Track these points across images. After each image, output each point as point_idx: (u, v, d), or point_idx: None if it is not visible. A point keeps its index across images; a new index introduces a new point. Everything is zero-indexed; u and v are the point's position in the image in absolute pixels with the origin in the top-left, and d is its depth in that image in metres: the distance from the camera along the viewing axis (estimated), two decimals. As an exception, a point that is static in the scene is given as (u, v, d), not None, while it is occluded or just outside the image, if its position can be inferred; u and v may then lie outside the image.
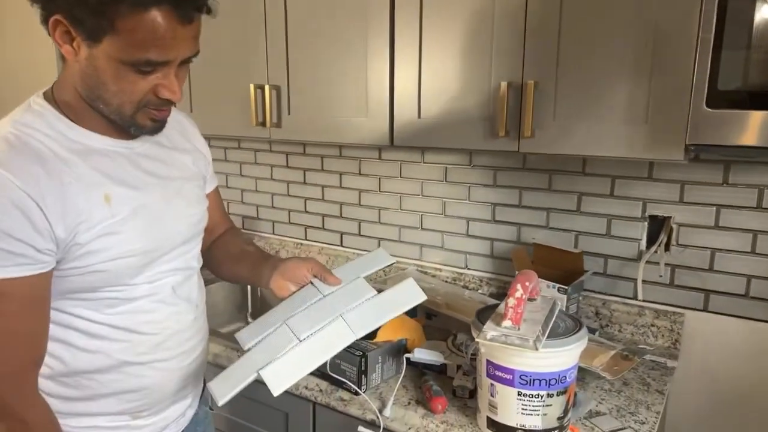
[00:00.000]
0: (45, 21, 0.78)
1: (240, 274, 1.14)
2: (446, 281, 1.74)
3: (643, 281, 1.42)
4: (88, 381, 0.90)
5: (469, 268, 1.72)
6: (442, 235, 1.75)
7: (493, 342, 0.96)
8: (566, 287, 1.40)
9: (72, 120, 0.85)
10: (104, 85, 0.80)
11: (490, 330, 0.97)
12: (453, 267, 1.74)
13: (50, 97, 0.86)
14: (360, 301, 0.98)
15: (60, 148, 0.82)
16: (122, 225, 0.86)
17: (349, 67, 1.43)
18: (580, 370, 1.21)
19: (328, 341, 0.94)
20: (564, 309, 1.39)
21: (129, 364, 0.92)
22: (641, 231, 1.44)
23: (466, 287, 1.70)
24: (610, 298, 1.50)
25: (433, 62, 1.31)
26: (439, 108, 1.32)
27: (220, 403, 0.90)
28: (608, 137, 1.14)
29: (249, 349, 0.97)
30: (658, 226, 1.42)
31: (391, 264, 1.11)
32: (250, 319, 1.96)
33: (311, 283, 1.04)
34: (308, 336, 0.94)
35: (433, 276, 1.76)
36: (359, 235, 1.91)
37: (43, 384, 0.88)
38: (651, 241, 1.43)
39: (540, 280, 1.41)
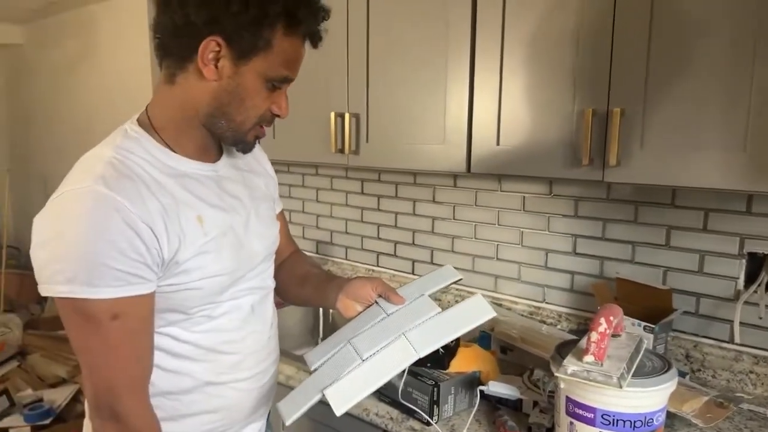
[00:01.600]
0: (192, 41, 0.82)
1: (306, 296, 1.15)
2: (522, 315, 1.68)
3: (741, 323, 1.31)
4: (172, 402, 0.92)
5: (547, 302, 1.65)
6: (519, 266, 1.70)
7: (574, 378, 0.91)
8: (653, 326, 1.32)
9: (165, 144, 0.90)
10: (240, 101, 0.87)
11: (570, 365, 0.92)
12: (530, 300, 1.69)
13: (145, 122, 0.91)
14: (423, 319, 0.96)
15: (157, 172, 0.86)
16: (214, 245, 0.89)
17: (428, 95, 1.44)
18: (669, 415, 1.13)
19: (391, 360, 0.92)
20: (650, 349, 1.31)
21: (210, 384, 0.94)
22: (738, 269, 1.34)
23: (544, 322, 1.63)
24: (703, 340, 1.40)
25: (514, 89, 1.30)
26: (519, 135, 1.30)
27: (288, 422, 0.90)
28: (701, 167, 1.07)
29: (315, 370, 0.97)
30: (757, 264, 1.31)
31: (458, 280, 1.08)
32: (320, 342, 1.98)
33: (376, 302, 1.04)
34: (371, 355, 0.93)
35: (509, 309, 1.71)
36: (431, 263, 1.89)
37: None
38: (750, 280, 1.32)
39: (624, 317, 1.34)
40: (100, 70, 3.46)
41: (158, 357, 0.90)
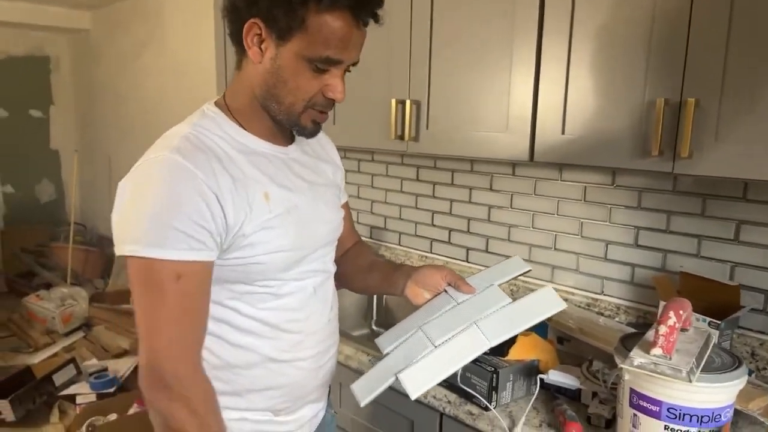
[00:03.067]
0: (239, 26, 0.87)
1: (372, 284, 1.18)
2: (579, 306, 1.67)
3: (813, 323, 1.27)
4: (236, 376, 0.96)
5: (605, 294, 1.63)
6: (578, 257, 1.68)
7: (641, 370, 0.91)
8: (718, 322, 1.29)
9: (240, 125, 0.94)
10: (283, 82, 0.88)
11: (637, 357, 0.92)
12: (587, 292, 1.67)
13: (222, 104, 0.96)
14: (494, 309, 0.97)
15: (229, 147, 0.91)
16: (278, 221, 0.92)
17: (492, 82, 1.43)
18: (734, 413, 1.11)
19: (463, 348, 0.94)
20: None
21: (273, 361, 0.98)
22: (812, 266, 1.29)
23: (601, 314, 1.62)
24: (770, 338, 1.36)
25: (582, 76, 1.28)
26: (585, 124, 1.29)
27: (363, 404, 0.93)
28: (781, 160, 1.04)
29: (387, 354, 1.00)
30: (834, 263, 1.26)
31: (527, 272, 1.09)
32: (374, 327, 2.02)
33: (445, 290, 1.05)
34: (443, 342, 0.95)
35: (565, 300, 1.69)
36: (486, 251, 1.89)
37: None
38: (824, 278, 1.27)
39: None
40: (165, 56, 3.58)
41: (225, 331, 0.94)
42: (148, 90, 3.79)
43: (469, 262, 1.95)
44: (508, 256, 1.81)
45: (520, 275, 1.08)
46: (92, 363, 3.11)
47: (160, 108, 3.64)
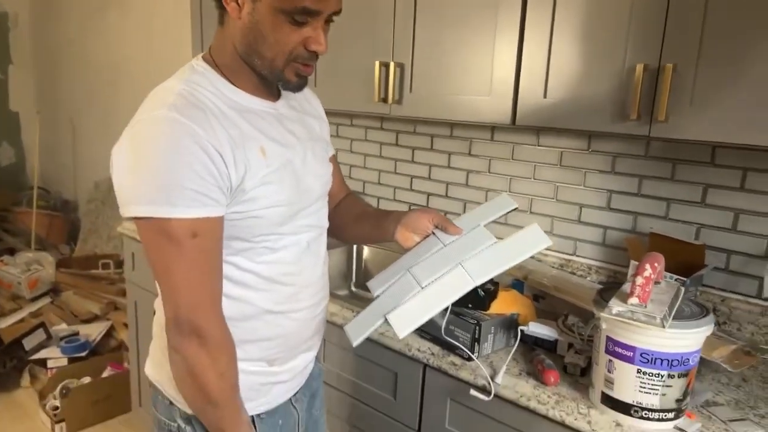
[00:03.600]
0: None
1: (364, 232, 1.21)
2: (553, 267, 1.74)
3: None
4: (234, 328, 0.97)
5: (577, 255, 1.71)
6: (552, 219, 1.75)
7: (619, 318, 0.97)
8: (684, 279, 1.37)
9: (229, 81, 0.94)
10: (263, 37, 0.88)
11: (615, 306, 0.98)
12: (560, 253, 1.74)
13: (209, 60, 0.95)
14: (479, 249, 1.00)
15: (223, 104, 0.91)
16: (275, 176, 0.94)
17: (476, 46, 1.46)
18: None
19: (449, 288, 0.97)
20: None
21: (269, 312, 1.00)
22: (772, 227, 1.38)
23: (573, 273, 1.69)
24: (731, 295, 1.45)
25: (565, 41, 1.32)
26: (567, 89, 1.33)
27: (355, 343, 0.97)
28: (750, 124, 1.10)
29: (378, 296, 1.04)
30: (791, 224, 1.35)
31: (513, 209, 1.12)
32: (353, 288, 2.06)
33: (433, 233, 1.09)
34: (429, 283, 0.99)
35: (539, 261, 1.77)
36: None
37: None
38: (782, 239, 1.36)
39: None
40: (131, 13, 3.45)
41: (224, 285, 0.95)
42: (113, 48, 3.66)
43: (446, 226, 1.99)
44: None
45: (507, 213, 1.12)
46: (62, 328, 3.07)
47: (127, 67, 3.53)
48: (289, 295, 1.02)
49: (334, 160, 1.21)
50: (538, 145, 1.74)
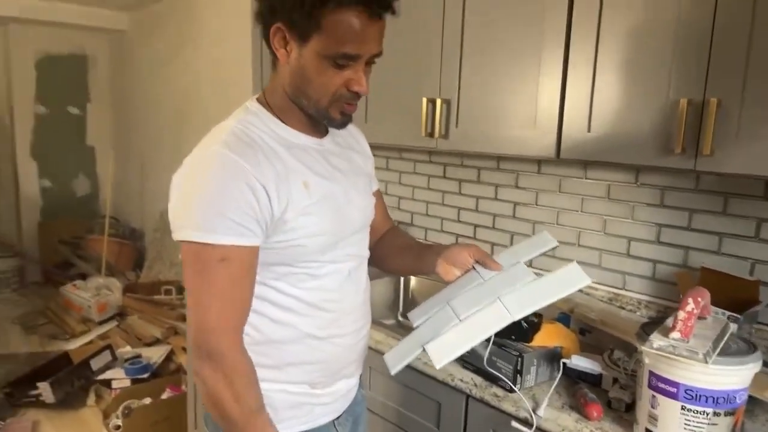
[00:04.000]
0: (266, 32, 0.96)
1: (406, 264, 1.25)
2: (601, 300, 1.72)
3: (832, 318, 1.31)
4: (277, 351, 1.03)
5: (626, 289, 1.68)
6: (600, 253, 1.73)
7: (660, 352, 0.96)
8: (738, 315, 1.33)
9: (280, 119, 1.02)
10: (308, 80, 0.96)
11: (657, 340, 0.98)
12: (609, 287, 1.72)
13: (262, 101, 1.04)
14: (518, 285, 1.02)
15: (272, 141, 0.99)
16: (316, 207, 1.00)
17: (521, 81, 1.50)
18: (750, 400, 1.15)
19: (486, 321, 0.99)
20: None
21: (312, 337, 1.05)
22: (832, 264, 1.33)
23: (623, 308, 1.66)
24: (789, 333, 1.39)
25: (607, 77, 1.34)
26: (610, 123, 1.34)
27: (393, 372, 1.00)
28: (800, 158, 1.08)
29: (417, 327, 1.07)
30: None
31: (554, 247, 1.14)
32: (399, 318, 2.09)
33: (474, 267, 1.12)
34: (468, 316, 1.01)
35: (587, 294, 1.75)
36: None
37: None
38: (844, 275, 1.31)
39: (712, 307, 1.37)
40: (199, 57, 3.69)
41: (267, 308, 1.02)
42: (181, 90, 3.92)
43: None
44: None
45: (547, 251, 1.14)
46: (127, 350, 3.24)
47: (193, 108, 3.76)
48: (331, 320, 1.07)
49: (378, 194, 1.27)
50: (586, 178, 1.74)
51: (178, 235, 0.93)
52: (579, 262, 1.74)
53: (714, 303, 1.37)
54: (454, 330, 1.00)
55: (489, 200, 2.01)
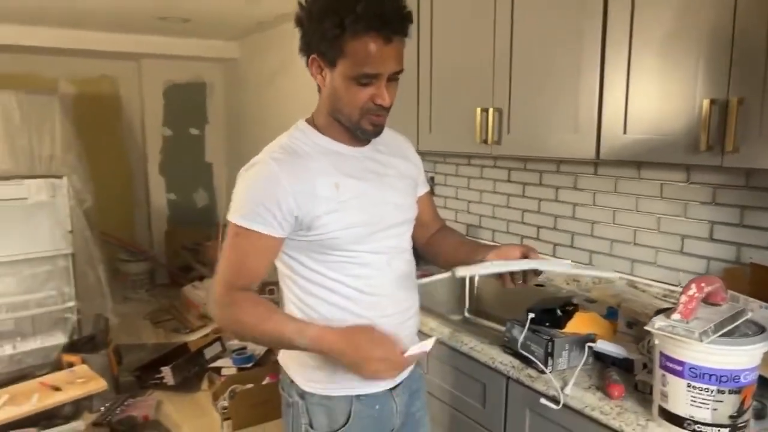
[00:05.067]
0: (307, 62, 1.18)
1: (459, 259, 1.37)
2: (656, 297, 1.76)
3: None
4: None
5: (681, 286, 1.71)
6: (656, 251, 1.77)
7: (660, 332, 1.05)
8: (781, 309, 1.35)
9: (323, 134, 1.23)
10: (340, 98, 1.16)
11: (659, 321, 1.07)
12: (665, 284, 1.76)
13: (311, 120, 1.26)
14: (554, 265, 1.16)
15: (312, 150, 1.20)
16: (344, 205, 1.18)
17: (563, 90, 1.61)
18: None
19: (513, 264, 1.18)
20: None
21: (361, 317, 1.22)
22: None
23: (674, 305, 1.69)
24: (844, 329, 1.37)
25: (640, 82, 1.42)
26: (644, 124, 1.42)
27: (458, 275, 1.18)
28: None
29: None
30: None
31: (608, 277, 1.26)
32: (466, 314, 2.23)
33: None
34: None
35: (643, 291, 1.80)
36: (572, 246, 2.03)
37: None
38: None
39: (753, 299, 1.39)
40: (294, 80, 4.08)
41: (320, 291, 1.21)
42: (283, 110, 4.33)
43: (556, 257, 2.09)
44: (590, 252, 1.95)
45: (601, 276, 1.26)
46: (234, 342, 3.63)
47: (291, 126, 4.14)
48: (374, 303, 1.24)
49: (428, 196, 1.44)
50: (639, 178, 1.79)
51: (228, 216, 1.19)
52: (635, 261, 1.82)
53: (762, 297, 1.40)
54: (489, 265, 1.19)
55: (550, 202, 2.10)
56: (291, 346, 1.16)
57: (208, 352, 3.49)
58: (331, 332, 1.13)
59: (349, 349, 1.10)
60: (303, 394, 1.26)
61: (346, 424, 1.24)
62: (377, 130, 1.21)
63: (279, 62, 4.32)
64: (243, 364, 3.36)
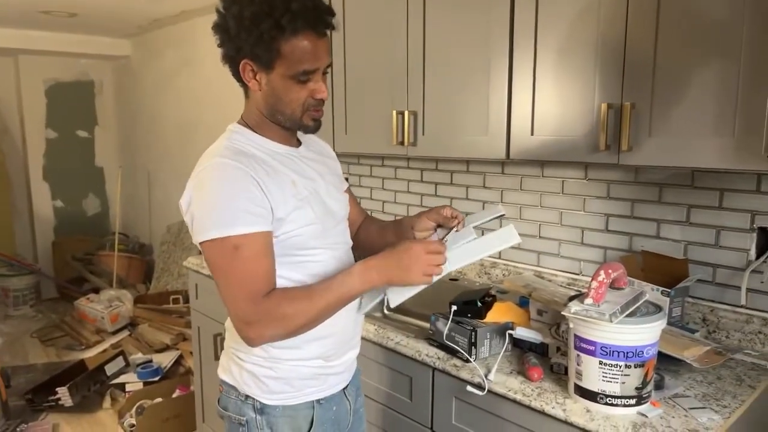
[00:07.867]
0: (236, 68, 1.15)
1: (388, 240, 1.41)
2: (561, 286, 1.90)
3: (752, 290, 1.49)
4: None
5: (583, 274, 1.87)
6: (559, 243, 1.92)
7: (576, 316, 1.15)
8: (669, 290, 1.52)
9: (260, 135, 1.22)
10: (280, 99, 1.16)
11: (574, 306, 1.17)
12: (568, 273, 1.91)
13: (242, 123, 1.24)
14: (461, 243, 1.20)
15: (257, 151, 1.19)
16: (305, 202, 1.19)
17: (474, 94, 1.70)
18: (674, 361, 1.34)
19: None
20: (667, 312, 1.51)
21: None
22: (750, 242, 1.51)
23: (580, 292, 1.85)
24: (718, 305, 1.58)
25: (545, 88, 1.54)
26: (549, 126, 1.54)
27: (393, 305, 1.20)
28: (698, 150, 1.28)
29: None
30: (766, 237, 1.48)
31: (501, 215, 1.34)
32: (386, 311, 2.28)
33: (435, 231, 1.33)
34: None
35: (549, 281, 1.94)
36: (483, 242, 2.14)
37: None
38: (762, 251, 1.49)
39: (645, 283, 1.56)
40: (198, 79, 3.93)
41: None
42: (183, 111, 4.16)
43: (468, 253, 2.20)
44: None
45: (495, 218, 1.34)
46: (138, 356, 3.44)
47: (194, 126, 3.99)
48: None
49: (349, 191, 1.47)
50: (543, 176, 1.94)
51: (201, 237, 1.10)
52: (540, 253, 1.95)
53: (655, 282, 1.57)
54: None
55: (462, 200, 2.20)
56: (349, 297, 1.15)
57: (110, 368, 3.28)
58: (371, 259, 1.15)
59: (395, 256, 1.13)
60: (263, 409, 1.23)
61: (309, 430, 1.25)
62: (317, 125, 1.22)
63: (179, 61, 4.14)
64: (149, 378, 3.19)
